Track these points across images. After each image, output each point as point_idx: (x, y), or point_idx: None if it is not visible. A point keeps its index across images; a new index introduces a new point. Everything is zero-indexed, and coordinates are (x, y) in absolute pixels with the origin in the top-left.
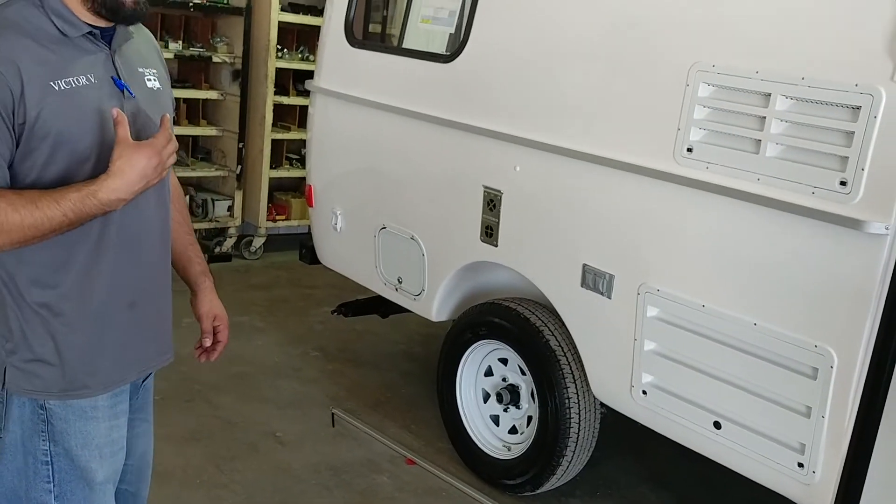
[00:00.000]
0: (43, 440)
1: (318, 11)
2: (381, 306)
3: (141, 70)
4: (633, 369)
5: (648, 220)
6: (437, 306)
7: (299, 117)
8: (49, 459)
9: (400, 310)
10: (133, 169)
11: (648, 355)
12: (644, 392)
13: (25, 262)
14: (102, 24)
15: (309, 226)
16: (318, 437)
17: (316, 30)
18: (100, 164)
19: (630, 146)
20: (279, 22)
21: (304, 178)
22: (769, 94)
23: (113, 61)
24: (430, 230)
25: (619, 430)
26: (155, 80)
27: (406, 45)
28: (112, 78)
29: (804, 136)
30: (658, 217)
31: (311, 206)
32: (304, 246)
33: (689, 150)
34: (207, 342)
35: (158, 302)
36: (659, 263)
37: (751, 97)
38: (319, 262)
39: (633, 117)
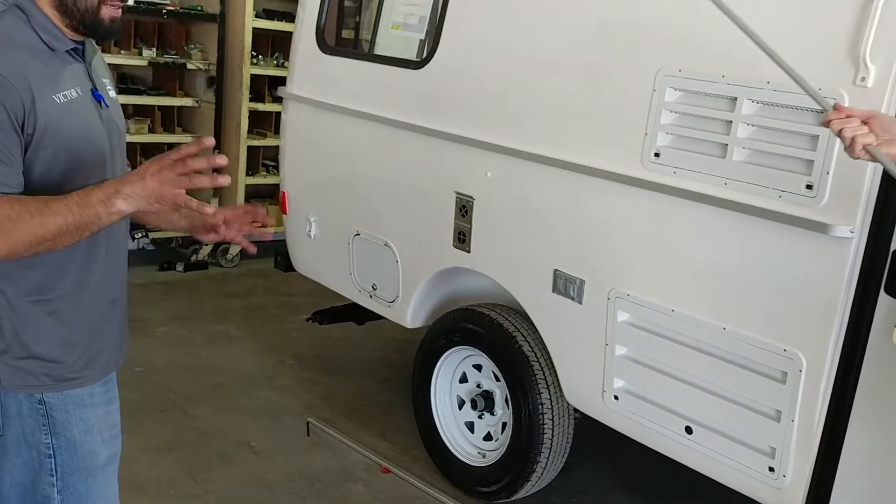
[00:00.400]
0: (45, 434)
1: (293, 17)
2: (356, 313)
3: (104, 81)
4: (605, 374)
5: (617, 225)
6: (411, 313)
7: (275, 124)
8: (52, 453)
9: (376, 317)
10: (136, 170)
11: (619, 360)
12: (616, 397)
13: (27, 266)
14: (77, 38)
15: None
16: (293, 447)
17: (290, 36)
18: (92, 171)
19: (599, 152)
20: (254, 28)
21: (279, 185)
22: (735, 99)
23: (89, 74)
24: (404, 237)
25: (593, 435)
26: (113, 89)
27: (377, 51)
28: (91, 90)
29: (770, 140)
30: (627, 222)
31: (285, 213)
32: (279, 253)
33: (657, 154)
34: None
35: (125, 297)
36: (628, 268)
37: (717, 101)
38: (294, 270)
39: (601, 123)
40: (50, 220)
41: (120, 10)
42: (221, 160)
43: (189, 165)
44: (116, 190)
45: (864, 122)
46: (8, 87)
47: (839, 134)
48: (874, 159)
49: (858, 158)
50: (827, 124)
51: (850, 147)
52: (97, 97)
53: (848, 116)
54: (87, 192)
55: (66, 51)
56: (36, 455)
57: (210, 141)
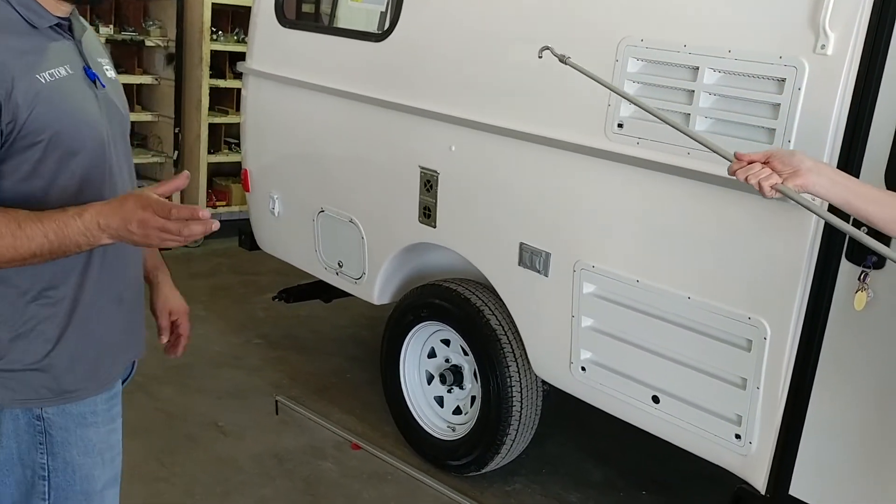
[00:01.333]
0: (41, 453)
1: None
2: (323, 291)
3: (99, 60)
4: (572, 346)
5: (582, 196)
6: (378, 289)
7: (237, 101)
8: (46, 474)
9: (343, 294)
10: (122, 205)
11: (586, 332)
12: (583, 368)
13: (25, 274)
14: (61, 12)
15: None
16: (262, 426)
17: (250, 11)
18: (89, 161)
19: (562, 123)
20: (213, 4)
21: (241, 163)
22: (697, 68)
23: (80, 51)
24: (369, 213)
25: (563, 407)
26: (112, 69)
27: (338, 24)
28: (84, 68)
29: (732, 110)
30: (591, 194)
31: (247, 190)
32: (242, 232)
33: (620, 125)
34: (164, 339)
35: (138, 293)
36: (593, 240)
37: (679, 71)
38: (259, 249)
39: (564, 94)
40: (22, 245)
41: None
42: (214, 226)
43: (177, 231)
44: (102, 227)
45: (766, 163)
46: None
47: (746, 181)
48: (785, 195)
49: (772, 198)
50: (733, 174)
51: (760, 191)
52: (91, 76)
53: (749, 162)
54: (66, 221)
55: (51, 27)
56: (30, 475)
57: (205, 213)
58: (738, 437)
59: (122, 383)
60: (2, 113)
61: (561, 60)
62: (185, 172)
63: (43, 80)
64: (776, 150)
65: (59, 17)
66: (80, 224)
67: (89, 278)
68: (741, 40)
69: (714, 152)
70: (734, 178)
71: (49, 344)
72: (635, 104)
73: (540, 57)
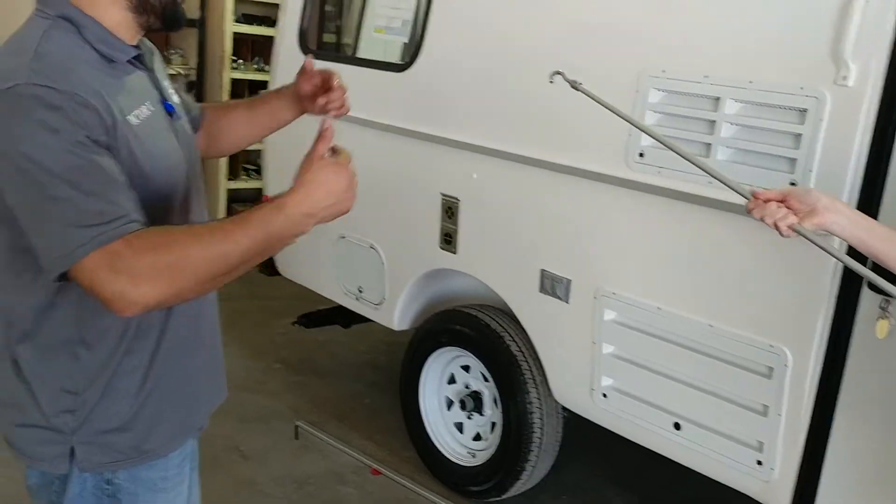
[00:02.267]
0: None
1: (272, 22)
2: (342, 316)
3: (165, 84)
4: (593, 373)
5: (603, 224)
6: (398, 315)
7: None
8: None
9: (362, 319)
10: (321, 184)
11: (607, 358)
12: (604, 395)
13: (111, 333)
14: (135, 41)
15: None
16: (282, 450)
17: (270, 40)
18: (169, 202)
19: (583, 152)
20: (234, 33)
21: (262, 189)
22: (718, 98)
23: (154, 83)
24: (390, 239)
25: (582, 433)
26: (175, 93)
27: (360, 54)
28: (162, 102)
29: (753, 139)
30: (612, 221)
31: None
32: None
33: (641, 154)
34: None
35: (217, 333)
36: (614, 267)
37: (700, 101)
38: (279, 274)
39: (585, 124)
40: (232, 252)
41: None
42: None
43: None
44: (308, 214)
45: (782, 202)
46: (90, 107)
47: (762, 220)
48: (801, 236)
49: (789, 237)
50: (749, 212)
51: (777, 230)
52: (168, 109)
53: (766, 201)
54: (268, 219)
55: (128, 60)
56: None
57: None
58: (759, 463)
59: (199, 430)
60: (110, 148)
61: (572, 86)
62: (328, 122)
63: (133, 123)
64: (793, 188)
65: (134, 48)
66: (283, 219)
67: (170, 328)
68: (762, 71)
69: (730, 188)
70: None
71: (134, 402)
72: (648, 134)
73: (551, 82)
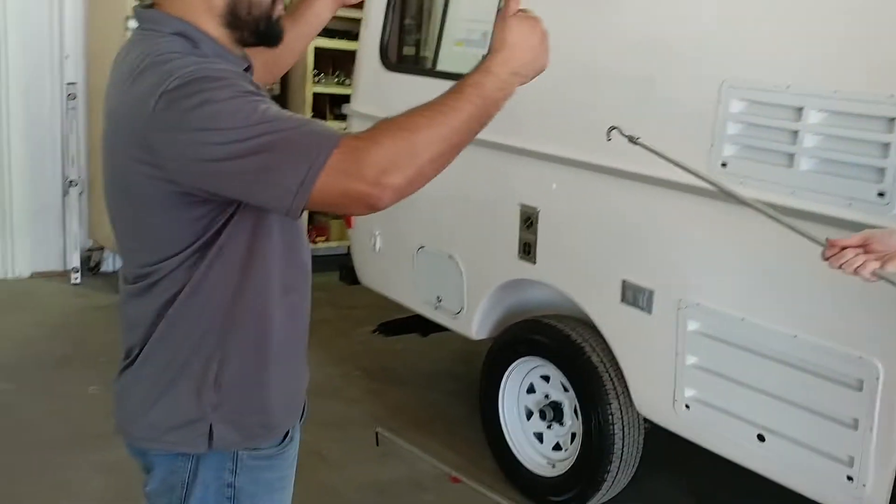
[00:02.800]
0: None
1: (354, 36)
2: (421, 325)
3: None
4: (676, 384)
5: (686, 235)
6: (476, 324)
7: None
8: None
9: (440, 328)
10: (519, 41)
11: (690, 370)
12: (687, 406)
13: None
14: (241, 54)
15: (349, 247)
16: (363, 457)
17: (351, 54)
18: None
19: (664, 162)
20: (315, 47)
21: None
22: (801, 108)
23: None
24: (468, 249)
25: (664, 445)
26: None
27: (440, 67)
28: None
29: (838, 149)
30: (695, 232)
31: (350, 227)
32: (343, 267)
33: (724, 165)
34: None
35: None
36: (698, 278)
37: (783, 111)
38: (359, 283)
39: (667, 134)
40: (454, 120)
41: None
42: None
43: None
44: (514, 73)
45: (863, 246)
46: (247, 78)
47: (840, 269)
48: (885, 280)
49: (873, 282)
50: (826, 261)
51: (859, 275)
52: None
53: (843, 249)
54: (481, 82)
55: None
56: None
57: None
58: (850, 478)
59: (301, 421)
60: None
61: (630, 141)
62: None
63: None
64: (873, 232)
65: (243, 60)
66: (492, 79)
67: (294, 311)
68: (847, 80)
69: (803, 236)
70: (839, 224)
71: (268, 384)
72: (716, 186)
73: (609, 139)
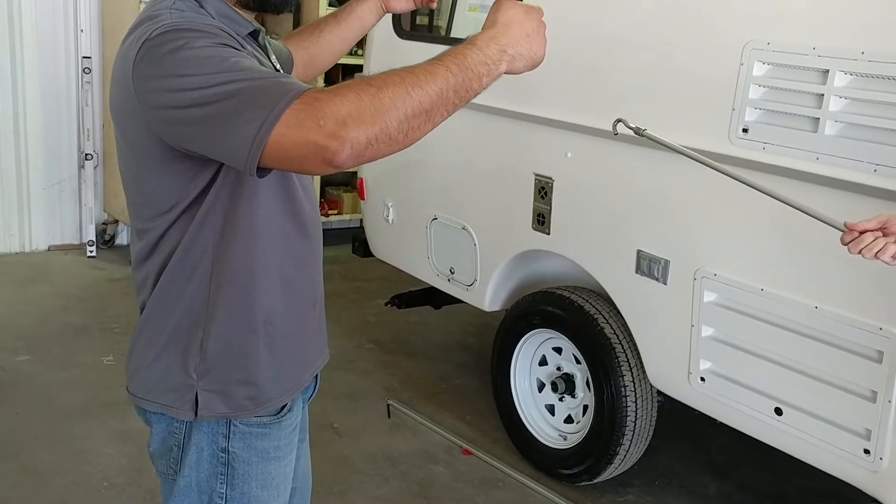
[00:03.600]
0: (221, 483)
1: None
2: (434, 297)
3: (274, 59)
4: (691, 356)
5: (703, 203)
6: (489, 296)
7: None
8: (224, 502)
9: (453, 300)
10: (511, 23)
11: (706, 341)
12: (702, 379)
13: (245, 264)
14: (250, 18)
15: (361, 219)
16: (375, 428)
17: None
18: (282, 181)
19: (682, 128)
20: None
21: (355, 173)
22: (827, 71)
23: (269, 58)
24: (482, 220)
25: (677, 417)
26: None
27: (454, 34)
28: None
29: (865, 113)
30: (713, 200)
31: (362, 198)
32: (356, 239)
33: (745, 130)
34: None
35: (322, 295)
36: (715, 248)
37: (808, 74)
38: (372, 255)
39: (685, 99)
40: (428, 82)
41: None
42: None
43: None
44: (501, 50)
45: (881, 230)
46: (230, 36)
47: (860, 254)
48: None
49: (893, 265)
50: (846, 245)
51: (879, 259)
52: None
53: (862, 233)
54: (463, 52)
55: (248, 34)
56: (206, 501)
57: None
58: (867, 452)
59: (309, 398)
60: None
61: (637, 133)
62: None
63: None
64: (892, 214)
65: (251, 24)
66: (476, 51)
67: (294, 283)
68: (875, 41)
69: (821, 220)
70: (864, 190)
71: (256, 356)
72: (724, 173)
73: (615, 133)
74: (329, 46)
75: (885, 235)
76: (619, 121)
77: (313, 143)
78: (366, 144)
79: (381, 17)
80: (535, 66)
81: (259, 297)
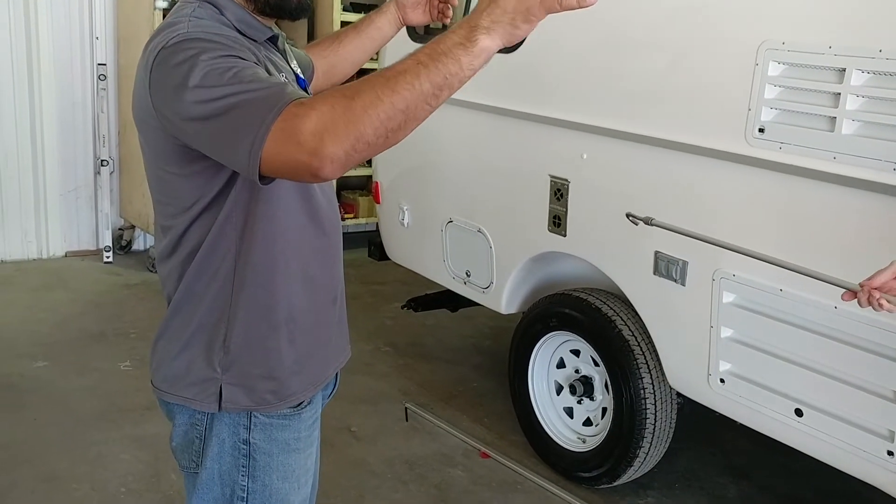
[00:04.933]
0: (242, 475)
1: None
2: (450, 300)
3: (294, 65)
4: (710, 357)
5: (721, 203)
6: (506, 299)
7: None
8: (245, 495)
9: (469, 303)
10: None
11: (725, 342)
12: (722, 380)
13: (269, 263)
14: (269, 24)
15: (377, 223)
16: (392, 432)
17: None
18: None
19: (699, 129)
20: (341, 21)
21: (371, 177)
22: (843, 70)
23: (288, 62)
24: (497, 222)
25: (696, 419)
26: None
27: None
28: (297, 79)
29: (883, 111)
30: (731, 200)
31: (378, 202)
32: (372, 243)
33: (761, 130)
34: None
35: (343, 292)
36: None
37: (824, 73)
38: (388, 259)
39: (701, 99)
40: (398, 83)
41: None
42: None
43: None
44: (472, 26)
45: None
46: (245, 47)
47: (871, 306)
48: None
49: None
50: (864, 307)
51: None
52: (302, 84)
53: (872, 290)
54: (434, 42)
55: (267, 39)
56: (229, 494)
57: None
58: (890, 453)
59: (329, 395)
60: None
61: (646, 223)
62: None
63: None
64: None
65: (269, 29)
66: (452, 37)
67: (314, 281)
68: (893, 38)
69: (836, 286)
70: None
71: (278, 351)
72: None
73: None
74: (349, 56)
75: None
76: (629, 215)
77: (297, 161)
78: (345, 156)
79: (399, 29)
80: (530, 16)
81: (280, 297)
